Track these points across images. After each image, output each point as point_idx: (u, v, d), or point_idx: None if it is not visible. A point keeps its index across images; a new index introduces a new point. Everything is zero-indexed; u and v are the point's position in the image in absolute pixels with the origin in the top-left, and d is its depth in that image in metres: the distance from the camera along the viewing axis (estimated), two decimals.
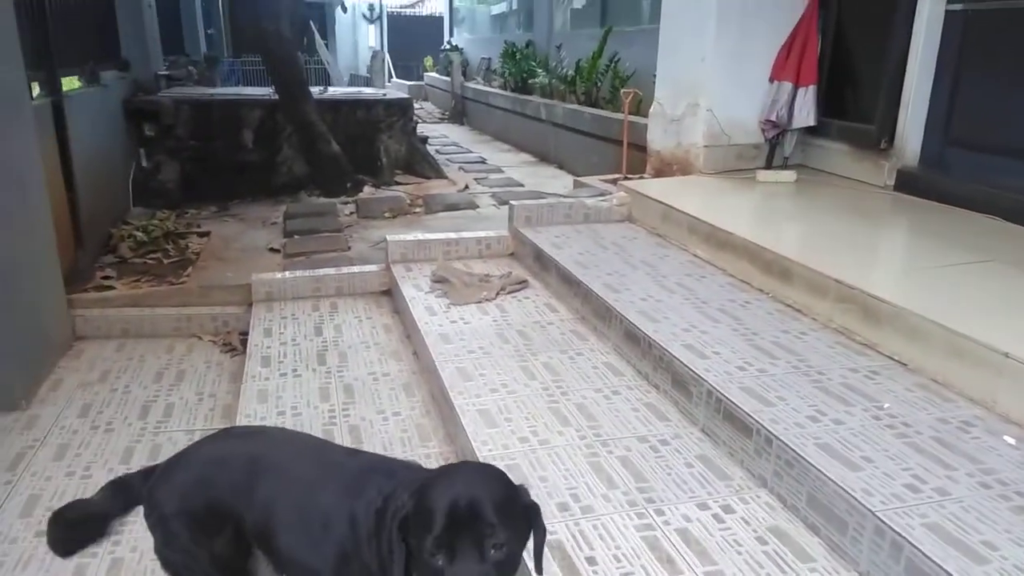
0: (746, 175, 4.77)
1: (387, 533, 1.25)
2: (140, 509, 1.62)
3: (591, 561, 1.91)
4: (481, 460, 2.34)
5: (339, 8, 20.51)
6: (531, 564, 1.41)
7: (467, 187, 7.23)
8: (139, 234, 5.26)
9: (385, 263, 4.37)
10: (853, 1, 4.51)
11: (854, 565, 1.87)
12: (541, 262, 4.05)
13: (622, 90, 6.46)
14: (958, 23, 3.89)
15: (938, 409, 2.30)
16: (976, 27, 3.82)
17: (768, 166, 4.79)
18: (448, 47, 15.40)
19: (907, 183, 4.15)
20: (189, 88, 8.12)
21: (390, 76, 18.19)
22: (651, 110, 5.28)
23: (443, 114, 13.97)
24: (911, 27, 4.06)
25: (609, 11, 9.67)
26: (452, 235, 4.56)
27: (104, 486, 1.68)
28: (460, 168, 8.26)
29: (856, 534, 1.86)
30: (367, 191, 6.91)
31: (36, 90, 4.30)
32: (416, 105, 9.47)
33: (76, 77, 5.34)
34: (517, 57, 11.12)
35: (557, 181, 7.35)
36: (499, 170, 8.27)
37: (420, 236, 4.52)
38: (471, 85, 12.93)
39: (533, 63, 10.70)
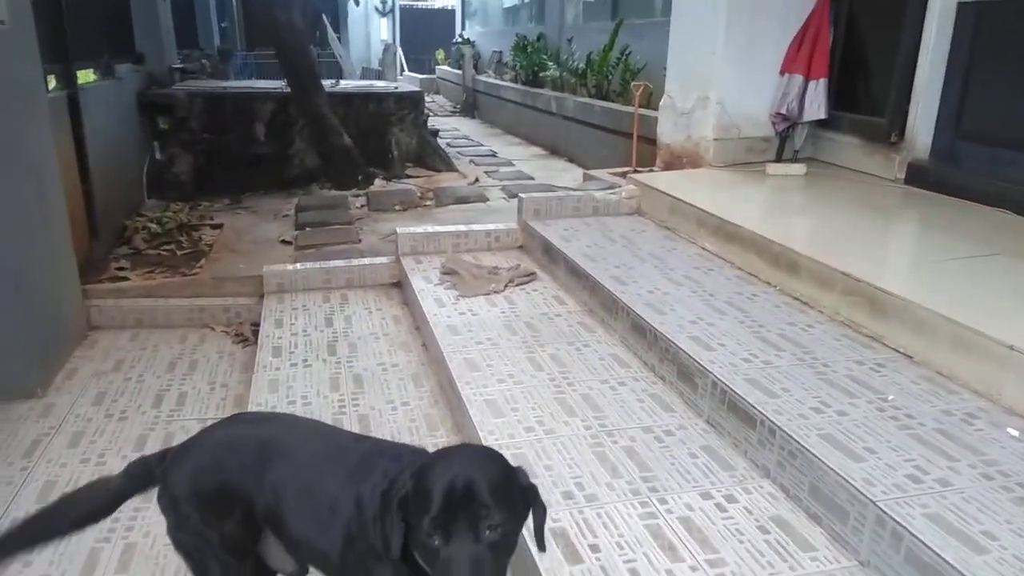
0: (756, 168, 4.76)
1: (389, 512, 1.28)
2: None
3: (594, 548, 1.94)
4: None
5: (352, 1, 20.53)
6: (533, 543, 1.44)
7: (477, 180, 7.26)
8: (153, 226, 5.32)
9: (395, 255, 4.41)
10: None
11: (855, 554, 1.89)
12: (550, 255, 4.07)
13: (632, 83, 6.46)
14: (970, 16, 3.87)
15: (942, 401, 2.31)
16: (988, 20, 3.80)
17: (778, 159, 4.78)
18: (460, 40, 15.41)
19: (917, 176, 4.14)
20: (202, 81, 8.18)
21: (402, 69, 18.19)
22: (661, 103, 5.28)
23: (454, 107, 14.00)
24: (923, 19, 4.04)
25: (621, 4, 9.66)
26: (462, 228, 4.59)
27: (127, 466, 1.72)
28: (471, 161, 8.28)
29: (857, 524, 1.88)
30: (378, 184, 6.95)
31: (52, 83, 4.36)
32: (427, 98, 9.51)
33: (91, 70, 5.40)
34: (528, 50, 11.12)
35: (567, 174, 7.36)
36: (509, 163, 8.29)
37: (430, 229, 4.55)
38: (482, 78, 12.94)
39: (544, 56, 10.70)
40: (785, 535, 1.98)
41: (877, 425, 2.18)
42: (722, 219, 3.75)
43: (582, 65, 9.19)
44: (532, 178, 7.37)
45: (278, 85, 7.38)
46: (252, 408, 2.98)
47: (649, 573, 1.85)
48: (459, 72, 13.97)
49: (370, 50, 21.66)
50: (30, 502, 2.62)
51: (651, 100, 6.36)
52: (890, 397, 2.33)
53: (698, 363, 2.60)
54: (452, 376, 2.90)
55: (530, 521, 1.37)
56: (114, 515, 2.52)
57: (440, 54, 17.69)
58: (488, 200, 6.35)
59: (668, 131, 5.20)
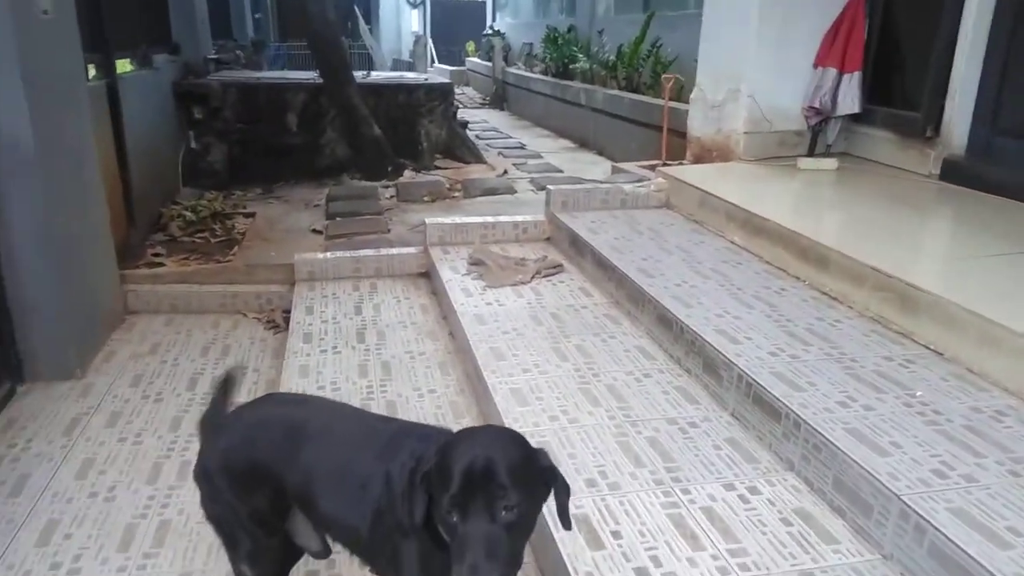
0: (787, 162, 4.72)
1: (414, 487, 1.32)
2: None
3: (616, 535, 1.96)
4: None
5: None
6: (556, 525, 1.47)
7: (506, 172, 7.27)
8: (188, 214, 5.43)
9: (423, 246, 4.45)
10: None
11: (878, 548, 1.89)
12: (577, 247, 4.08)
13: (663, 75, 6.42)
14: (1010, 7, 3.79)
15: (971, 398, 2.29)
16: None
17: (810, 153, 4.73)
18: (490, 32, 15.39)
19: (952, 172, 4.07)
20: (236, 72, 8.30)
21: (432, 61, 18.27)
22: (692, 95, 5.25)
23: (484, 99, 14.01)
24: (961, 11, 3.97)
25: None
26: (489, 219, 4.62)
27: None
28: (499, 153, 8.30)
29: (881, 517, 1.88)
30: (407, 175, 7.00)
31: (92, 72, 4.46)
32: (457, 90, 9.53)
33: (129, 60, 5.51)
34: (559, 42, 11.09)
35: (596, 167, 7.34)
36: (538, 156, 8.29)
37: (458, 220, 4.58)
38: (512, 70, 12.94)
39: (575, 48, 10.66)
40: (808, 527, 1.99)
41: (904, 421, 2.17)
42: (751, 213, 3.73)
43: (612, 57, 9.15)
44: (561, 171, 7.37)
45: (310, 76, 7.46)
46: None
47: (670, 561, 1.87)
48: (489, 64, 13.97)
49: (401, 42, 21.77)
50: (70, 478, 2.72)
51: (682, 93, 6.32)
52: (918, 393, 2.32)
53: (724, 356, 2.60)
54: (478, 364, 2.94)
55: (553, 502, 1.39)
56: (150, 493, 2.64)
57: (470, 46, 17.70)
58: (516, 192, 6.36)
59: (698, 124, 5.18)
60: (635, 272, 3.41)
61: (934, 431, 2.11)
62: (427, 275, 4.33)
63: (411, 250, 4.48)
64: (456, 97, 8.22)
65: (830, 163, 4.56)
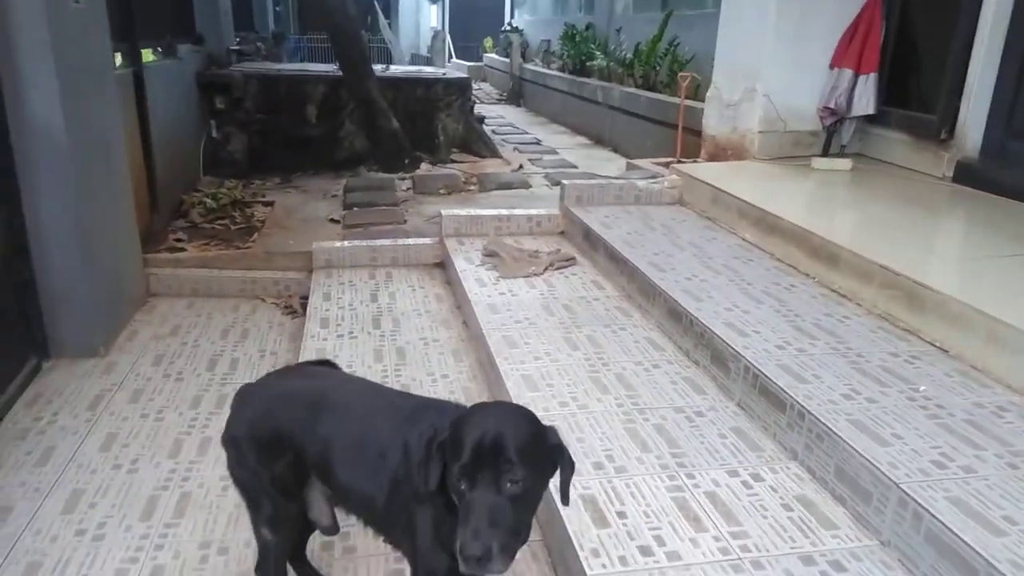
0: (801, 162, 4.75)
1: (430, 454, 1.40)
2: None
3: (621, 515, 2.02)
4: None
5: None
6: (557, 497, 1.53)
7: (521, 167, 7.33)
8: (209, 201, 5.53)
9: (439, 236, 4.52)
10: None
11: (876, 534, 1.94)
12: (590, 240, 4.14)
13: (680, 74, 6.46)
14: None
15: (974, 394, 2.33)
16: None
17: (824, 154, 4.76)
18: (508, 28, 15.46)
19: (966, 175, 4.09)
20: (257, 63, 8.39)
21: (450, 56, 18.35)
22: (708, 94, 5.29)
23: (501, 95, 14.07)
24: (978, 14, 3.99)
25: None
26: (504, 212, 4.68)
27: None
28: (515, 148, 8.36)
29: (880, 505, 1.93)
30: (424, 168, 7.08)
31: (119, 60, 4.56)
32: (475, 86, 9.60)
33: (153, 50, 5.62)
34: (577, 39, 11.13)
35: (611, 164, 7.39)
36: (553, 151, 8.34)
37: (473, 212, 4.65)
38: (529, 67, 12.99)
39: (592, 46, 10.70)
40: (808, 513, 2.04)
41: (906, 413, 2.22)
42: (764, 210, 3.78)
43: (630, 55, 9.18)
44: (575, 166, 7.42)
45: (330, 68, 7.55)
46: None
47: (673, 540, 1.93)
48: (507, 60, 14.03)
49: (419, 37, 21.87)
50: (94, 451, 2.81)
51: (698, 92, 6.36)
52: (922, 388, 2.37)
53: (732, 348, 2.66)
54: (491, 352, 3.01)
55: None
56: (171, 466, 2.72)
57: (488, 42, 17.76)
58: (531, 187, 6.42)
59: (714, 122, 5.22)
60: (647, 266, 3.46)
61: (936, 424, 2.16)
62: (442, 265, 4.41)
63: (427, 240, 4.55)
64: (473, 92, 8.28)
65: (844, 164, 4.59)
